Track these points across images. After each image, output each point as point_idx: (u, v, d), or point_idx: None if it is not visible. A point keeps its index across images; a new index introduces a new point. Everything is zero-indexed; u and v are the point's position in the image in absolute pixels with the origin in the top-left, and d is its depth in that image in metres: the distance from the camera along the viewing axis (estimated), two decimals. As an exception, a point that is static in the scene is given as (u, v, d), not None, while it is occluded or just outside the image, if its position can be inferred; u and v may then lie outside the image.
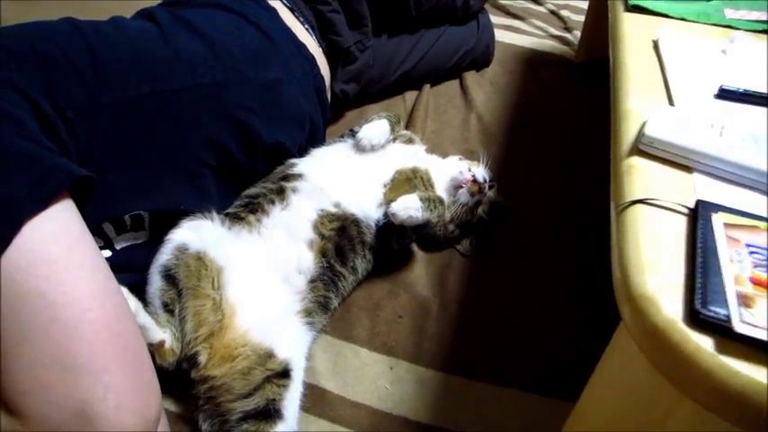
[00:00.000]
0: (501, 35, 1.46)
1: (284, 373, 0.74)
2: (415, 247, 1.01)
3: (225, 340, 0.76)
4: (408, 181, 0.96)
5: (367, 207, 0.91)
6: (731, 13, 0.75)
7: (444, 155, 1.09)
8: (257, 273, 0.83)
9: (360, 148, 0.97)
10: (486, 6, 1.41)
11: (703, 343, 0.40)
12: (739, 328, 0.39)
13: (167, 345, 0.74)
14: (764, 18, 0.77)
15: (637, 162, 0.55)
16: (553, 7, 1.69)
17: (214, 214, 0.86)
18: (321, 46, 1.10)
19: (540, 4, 1.72)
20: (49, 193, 0.64)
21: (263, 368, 0.74)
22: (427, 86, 1.31)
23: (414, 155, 1.02)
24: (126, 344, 0.63)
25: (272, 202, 0.89)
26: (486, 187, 0.98)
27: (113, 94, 0.79)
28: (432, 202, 0.91)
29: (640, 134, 0.56)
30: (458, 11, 1.32)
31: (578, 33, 1.49)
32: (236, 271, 0.82)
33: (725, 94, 0.61)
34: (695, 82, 0.64)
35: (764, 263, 0.43)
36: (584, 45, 1.43)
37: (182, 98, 0.85)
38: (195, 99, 0.86)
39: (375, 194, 0.93)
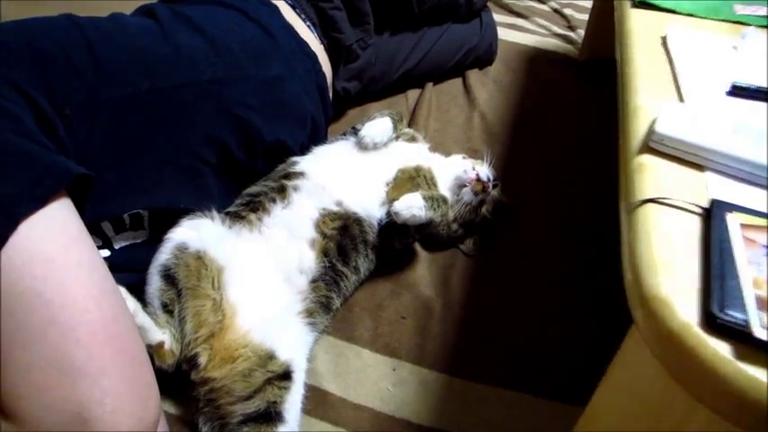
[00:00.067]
0: (504, 34, 1.45)
1: (285, 375, 0.73)
2: (417, 247, 1.00)
3: (225, 341, 0.75)
4: (411, 180, 0.94)
5: (369, 206, 0.90)
6: (741, 9, 0.73)
7: (447, 153, 1.07)
8: (258, 272, 0.82)
9: (362, 147, 0.96)
10: (490, 5, 1.39)
11: (720, 349, 0.38)
12: (759, 333, 0.37)
13: (167, 346, 0.73)
14: (775, 14, 0.76)
15: (647, 160, 0.54)
16: (556, 6, 1.68)
17: (214, 213, 0.85)
18: (323, 43, 1.09)
19: (543, 2, 1.70)
20: (46, 191, 0.63)
21: (264, 370, 0.73)
22: (430, 85, 1.30)
23: (417, 153, 1.00)
24: (124, 345, 0.62)
25: (274, 201, 0.88)
26: (490, 186, 0.96)
27: (112, 91, 0.78)
28: (435, 200, 0.89)
29: (650, 131, 0.55)
30: (460, 8, 1.30)
31: (582, 32, 1.48)
32: (237, 271, 0.80)
33: (737, 91, 0.60)
34: (706, 79, 0.62)
35: (783, 265, 0.41)
36: (587, 43, 1.41)
37: (181, 95, 0.84)
38: (195, 96, 0.85)
39: (377, 193, 0.92)
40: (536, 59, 1.43)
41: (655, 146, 0.54)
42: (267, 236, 0.85)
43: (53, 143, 0.71)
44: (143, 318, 0.72)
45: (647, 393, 0.46)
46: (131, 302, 0.71)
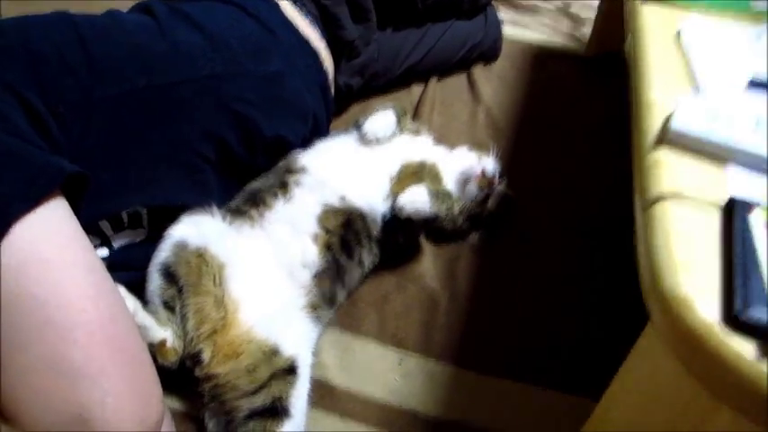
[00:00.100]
0: (509, 31, 1.43)
1: (290, 370, 0.72)
2: (422, 240, 0.99)
3: (228, 337, 0.74)
4: (415, 174, 0.93)
5: (373, 200, 0.89)
6: (759, 5, 0.72)
7: (452, 148, 1.06)
8: (260, 268, 0.81)
9: (365, 141, 0.94)
10: (494, 2, 1.38)
11: (744, 349, 0.37)
12: (784, 332, 0.36)
13: (169, 344, 0.72)
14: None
15: (663, 156, 0.53)
16: (561, 4, 1.66)
17: (214, 209, 0.84)
18: (324, 39, 1.08)
19: (547, -2, 1.68)
20: (39, 191, 0.62)
21: (269, 365, 0.72)
22: (434, 79, 1.29)
23: (421, 147, 0.99)
24: (123, 345, 0.61)
25: (275, 196, 0.86)
26: (496, 181, 0.95)
27: (108, 89, 0.77)
28: (440, 195, 0.88)
29: (666, 127, 0.54)
30: (464, 4, 1.29)
31: (588, 30, 1.47)
32: (239, 266, 0.79)
33: (757, 85, 0.59)
34: (723, 73, 0.61)
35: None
36: (594, 39, 1.40)
37: (179, 91, 0.82)
38: (193, 92, 0.83)
39: (381, 188, 0.90)
40: (541, 56, 1.41)
41: (671, 141, 0.53)
42: (269, 231, 0.84)
43: (47, 143, 0.70)
44: (143, 316, 0.71)
45: (665, 391, 0.46)
46: (131, 301, 0.70)
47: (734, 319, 0.39)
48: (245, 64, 0.89)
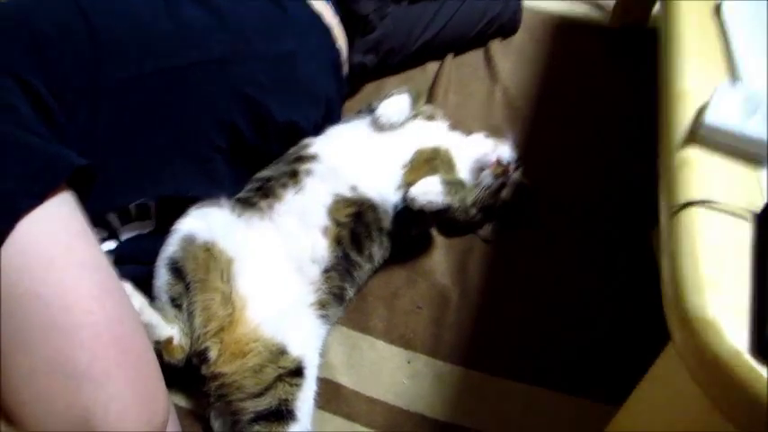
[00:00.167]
0: (529, 1, 1.35)
1: (297, 372, 0.71)
2: (433, 232, 0.95)
3: (235, 335, 0.73)
4: (428, 162, 0.89)
5: (385, 191, 0.86)
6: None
7: (468, 131, 1.01)
8: (269, 263, 0.80)
9: (378, 126, 0.90)
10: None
11: (776, 382, 0.34)
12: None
13: (175, 341, 0.71)
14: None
15: (693, 154, 0.48)
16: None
17: (223, 200, 0.82)
18: (338, 15, 1.03)
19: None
20: (46, 186, 0.61)
21: (276, 365, 0.71)
22: (450, 56, 1.23)
23: (435, 133, 0.95)
24: (129, 346, 0.60)
25: (285, 186, 0.84)
26: (512, 169, 0.91)
27: (114, 73, 0.75)
28: (453, 185, 0.85)
29: (699, 121, 0.49)
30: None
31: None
32: (247, 261, 0.78)
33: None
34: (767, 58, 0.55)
35: None
36: (619, 9, 1.31)
37: (189, 75, 0.80)
38: (203, 76, 0.81)
39: (393, 177, 0.87)
40: (562, 28, 1.34)
41: (703, 138, 0.48)
42: (278, 224, 0.82)
43: (53, 132, 0.68)
44: (150, 314, 0.70)
45: (682, 417, 0.42)
46: (137, 299, 0.69)
47: (765, 346, 0.35)
48: (255, 44, 0.86)
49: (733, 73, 0.55)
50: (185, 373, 0.73)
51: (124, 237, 0.78)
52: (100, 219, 0.75)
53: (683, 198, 0.45)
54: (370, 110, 0.94)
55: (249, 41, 0.86)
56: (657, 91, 0.59)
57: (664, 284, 0.42)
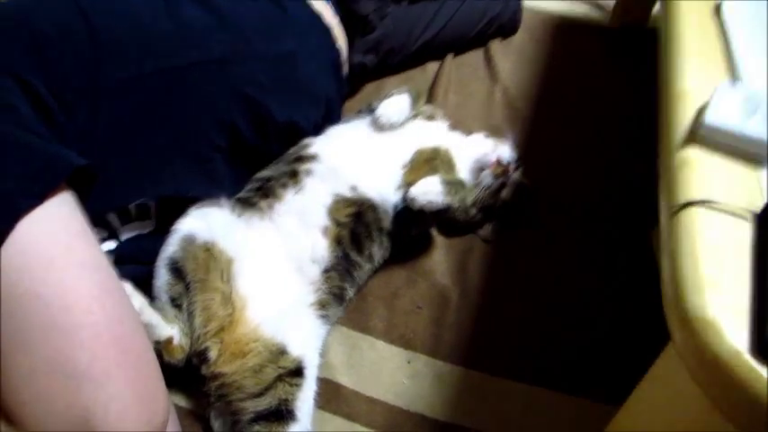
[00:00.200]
0: (528, 1, 1.35)
1: (297, 372, 0.71)
2: (433, 232, 0.95)
3: (235, 335, 0.73)
4: (429, 161, 0.89)
5: (385, 191, 0.86)
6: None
7: (468, 131, 1.01)
8: (269, 263, 0.80)
9: (378, 126, 0.90)
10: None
11: (776, 382, 0.34)
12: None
13: (175, 341, 0.71)
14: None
15: (693, 154, 0.48)
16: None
17: (223, 200, 0.82)
18: (338, 15, 1.03)
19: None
20: (46, 186, 0.61)
21: (275, 365, 0.71)
22: (450, 56, 1.23)
23: (435, 133, 0.95)
24: (129, 346, 0.60)
25: (285, 186, 0.84)
26: (512, 169, 0.91)
27: (114, 73, 0.75)
28: (453, 185, 0.85)
29: (699, 121, 0.49)
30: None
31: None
32: (247, 261, 0.78)
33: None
34: None
35: None
36: (620, 8, 1.31)
37: (189, 75, 0.80)
38: (203, 76, 0.81)
39: (393, 177, 0.87)
40: (562, 28, 1.34)
41: (703, 138, 0.48)
42: (278, 224, 0.82)
43: (53, 131, 0.68)
44: (150, 314, 0.70)
45: (682, 417, 0.42)
46: (137, 299, 0.69)
47: (765, 346, 0.35)
48: (255, 44, 0.86)
49: (733, 73, 0.55)
50: (185, 373, 0.73)
51: (124, 237, 0.78)
52: (100, 219, 0.75)
53: (683, 198, 0.45)
54: (370, 110, 0.94)
55: (249, 41, 0.86)
56: (657, 91, 0.59)
57: (664, 284, 0.42)
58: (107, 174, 0.71)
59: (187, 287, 0.74)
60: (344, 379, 0.79)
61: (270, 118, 0.86)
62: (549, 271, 0.91)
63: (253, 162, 0.89)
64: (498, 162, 0.88)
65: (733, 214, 0.43)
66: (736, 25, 0.59)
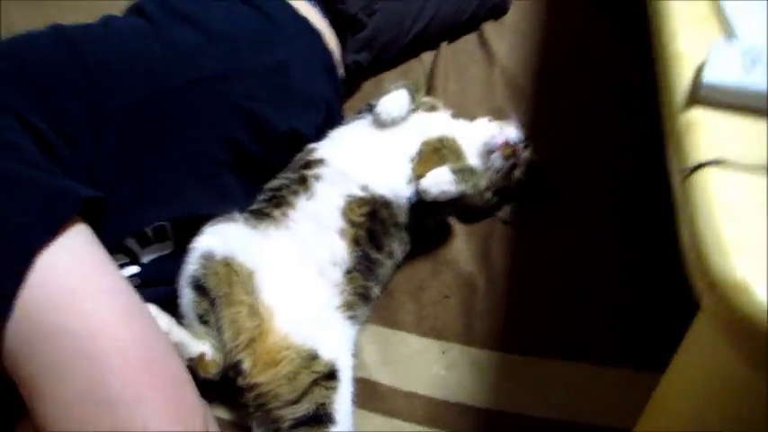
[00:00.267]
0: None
1: (331, 375, 0.72)
2: (452, 220, 0.95)
3: (267, 345, 0.74)
4: (436, 152, 0.89)
5: (396, 186, 0.86)
6: None
7: (471, 117, 1.01)
8: (290, 270, 0.80)
9: (380, 124, 0.91)
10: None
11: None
12: None
13: (208, 357, 0.72)
14: None
15: (697, 116, 0.47)
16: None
17: (237, 214, 0.83)
18: (326, 18, 1.03)
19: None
20: (58, 220, 0.62)
21: (309, 371, 0.72)
22: (444, 44, 1.22)
23: (438, 123, 0.95)
24: (160, 367, 0.61)
25: (296, 193, 0.85)
26: (521, 149, 0.91)
27: (111, 102, 0.76)
28: (464, 172, 0.84)
29: (698, 81, 0.48)
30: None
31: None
32: (269, 271, 0.79)
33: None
34: (761, 7, 0.54)
35: None
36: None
37: (185, 95, 0.81)
38: (200, 94, 0.82)
39: (403, 171, 0.87)
40: (553, 0, 1.32)
41: (705, 98, 0.47)
42: (294, 231, 0.83)
43: (58, 166, 0.69)
44: (179, 333, 0.71)
45: (723, 383, 0.42)
46: (164, 320, 0.70)
47: (796, 301, 0.35)
48: (247, 57, 0.87)
49: (727, 31, 0.54)
50: (224, 387, 0.74)
51: (145, 259, 0.79)
52: (119, 245, 0.76)
53: (692, 160, 0.44)
54: (370, 108, 0.94)
55: (240, 55, 0.86)
56: (653, 55, 0.58)
57: (685, 251, 0.41)
58: (119, 200, 0.72)
59: (212, 303, 0.75)
60: (380, 376, 0.79)
61: (270, 128, 0.87)
62: (574, 245, 0.90)
63: (260, 173, 0.89)
64: (506, 143, 0.88)
65: (747, 170, 0.43)
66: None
